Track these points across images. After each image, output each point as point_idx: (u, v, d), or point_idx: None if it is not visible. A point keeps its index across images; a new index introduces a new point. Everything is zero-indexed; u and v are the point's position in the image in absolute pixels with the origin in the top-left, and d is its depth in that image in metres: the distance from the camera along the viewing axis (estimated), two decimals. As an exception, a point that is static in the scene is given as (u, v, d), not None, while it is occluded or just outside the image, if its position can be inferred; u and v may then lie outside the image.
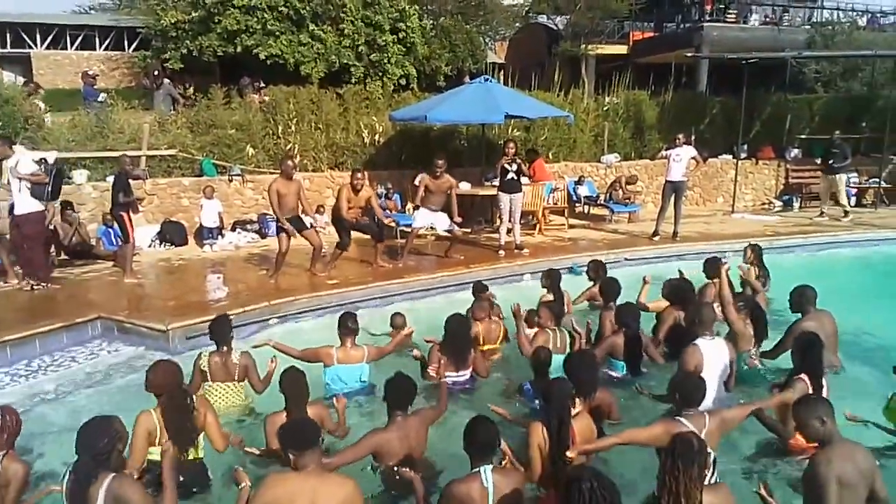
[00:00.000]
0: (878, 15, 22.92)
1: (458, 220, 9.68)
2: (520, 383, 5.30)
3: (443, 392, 4.57)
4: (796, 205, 14.82)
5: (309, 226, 8.71)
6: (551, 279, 6.93)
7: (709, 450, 3.55)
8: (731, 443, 4.39)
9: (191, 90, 13.75)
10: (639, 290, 6.81)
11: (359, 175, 8.69)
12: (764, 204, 15.32)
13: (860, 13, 22.85)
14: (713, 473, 3.48)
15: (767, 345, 5.64)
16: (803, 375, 4.36)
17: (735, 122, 14.71)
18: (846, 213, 12.94)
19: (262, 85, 13.10)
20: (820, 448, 3.37)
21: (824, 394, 4.39)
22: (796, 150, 15.82)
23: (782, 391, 4.46)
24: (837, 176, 13.16)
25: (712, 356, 4.78)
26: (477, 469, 3.26)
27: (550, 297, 6.77)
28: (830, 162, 13.18)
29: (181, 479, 3.81)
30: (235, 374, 5.20)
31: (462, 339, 5.46)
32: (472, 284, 7.11)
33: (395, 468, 3.85)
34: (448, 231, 9.66)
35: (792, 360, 4.57)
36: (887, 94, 14.65)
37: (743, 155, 15.09)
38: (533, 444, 3.66)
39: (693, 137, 15.01)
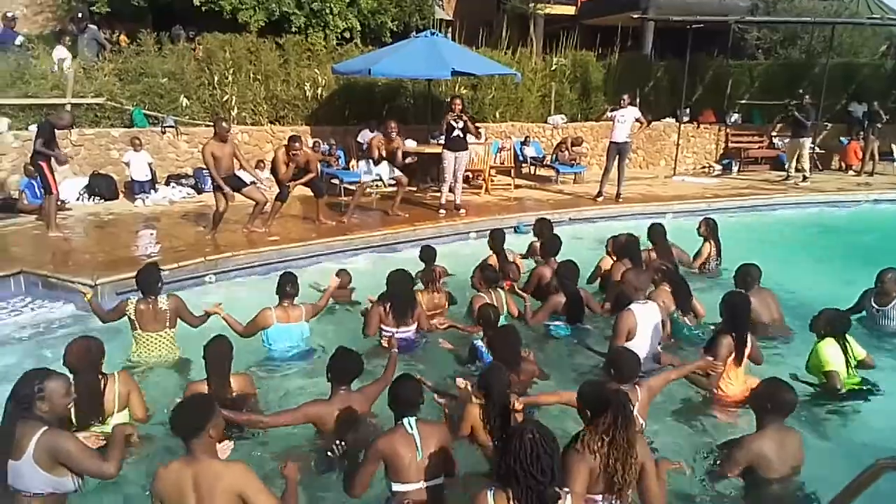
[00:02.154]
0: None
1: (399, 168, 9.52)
2: (471, 342, 5.20)
3: (391, 363, 4.46)
4: (735, 168, 15.14)
5: (248, 182, 8.38)
6: (494, 240, 6.88)
7: (641, 421, 3.74)
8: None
9: (121, 36, 12.99)
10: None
11: (296, 145, 8.37)
12: (704, 167, 15.62)
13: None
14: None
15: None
16: (730, 332, 4.52)
17: (678, 86, 14.86)
18: (805, 177, 13.28)
19: (195, 33, 12.42)
20: (757, 428, 3.56)
21: (747, 351, 4.56)
22: (736, 115, 16.13)
23: (708, 347, 4.62)
24: (802, 139, 13.41)
25: (645, 319, 4.86)
26: (400, 421, 3.34)
27: (494, 257, 6.75)
28: (797, 125, 13.33)
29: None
30: (167, 320, 5.08)
31: (404, 294, 5.37)
32: (420, 249, 6.92)
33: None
34: (393, 179, 9.47)
35: (722, 318, 4.73)
36: (823, 62, 15.00)
37: (685, 119, 15.30)
38: (466, 422, 3.72)
39: (638, 100, 15.15)
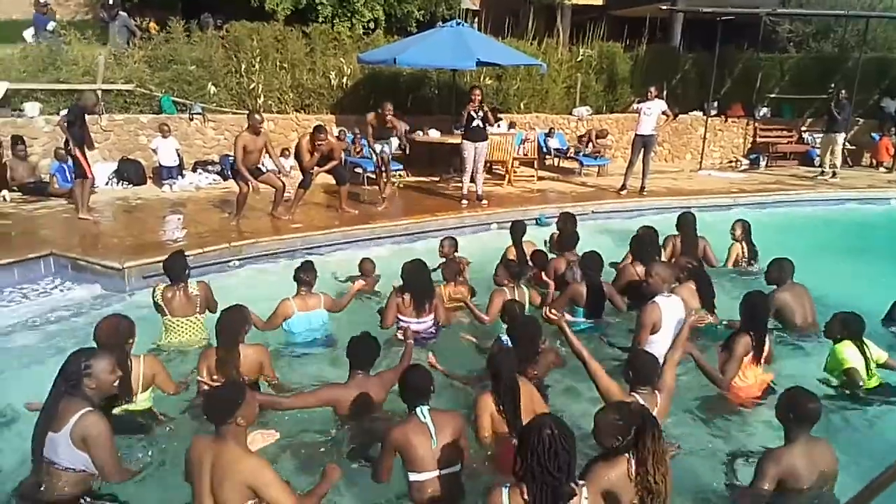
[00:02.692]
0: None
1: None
2: (496, 335, 5.20)
3: (407, 353, 4.50)
4: (763, 163, 14.92)
5: (266, 170, 8.48)
6: (515, 231, 6.89)
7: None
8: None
9: (150, 24, 13.13)
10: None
11: (321, 136, 8.44)
12: (731, 162, 15.41)
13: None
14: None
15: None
16: (749, 332, 4.47)
17: (706, 79, 14.65)
18: (834, 173, 13.09)
19: (223, 21, 12.52)
20: (785, 442, 3.43)
21: (765, 351, 4.54)
22: (765, 109, 15.87)
23: (726, 345, 4.58)
24: (835, 135, 13.19)
25: (670, 312, 4.82)
26: (413, 410, 3.36)
27: (513, 249, 6.76)
28: (831, 120, 13.14)
29: (126, 428, 3.83)
30: (197, 305, 5.16)
31: (422, 284, 5.38)
32: (440, 239, 6.87)
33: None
34: (401, 149, 9.92)
35: (741, 317, 4.65)
36: (856, 56, 14.69)
37: (713, 112, 15.09)
38: (483, 413, 3.68)
39: (665, 93, 14.98)
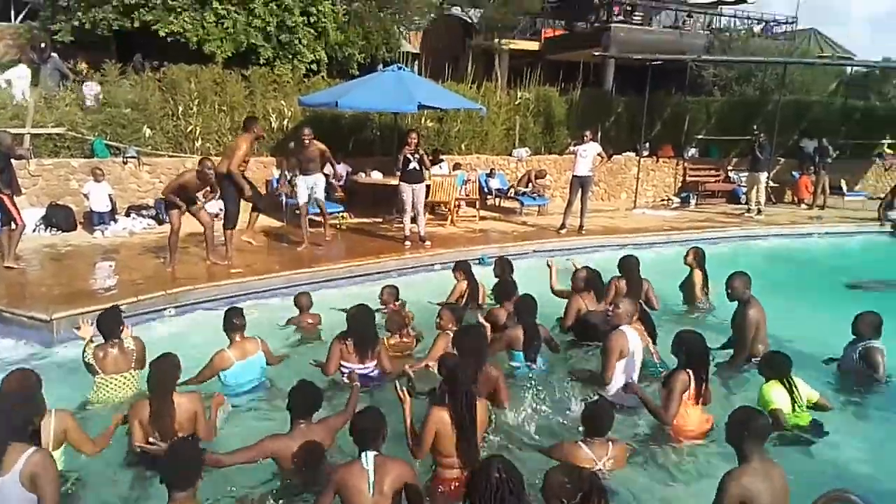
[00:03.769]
0: (772, 24, 24.39)
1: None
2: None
3: (353, 397, 4.45)
4: (693, 202, 15.54)
5: (199, 205, 8.28)
6: (463, 271, 6.95)
7: (606, 476, 3.75)
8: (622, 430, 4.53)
9: (83, 66, 12.87)
10: (549, 276, 7.00)
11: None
12: (664, 200, 16.00)
13: (755, 21, 24.25)
14: None
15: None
16: (688, 370, 4.57)
17: (638, 121, 15.28)
18: (759, 210, 13.72)
19: (158, 64, 12.37)
20: (739, 463, 3.46)
21: (704, 390, 4.65)
22: (694, 150, 16.63)
23: (665, 383, 4.68)
24: (759, 174, 13.86)
25: (634, 342, 4.99)
26: (360, 454, 3.34)
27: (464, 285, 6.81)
28: (754, 160, 13.85)
29: None
30: (132, 361, 4.95)
31: (366, 331, 5.30)
32: (381, 287, 6.92)
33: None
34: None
35: (677, 357, 4.73)
36: (776, 99, 15.59)
37: (645, 153, 15.71)
38: (431, 425, 3.67)
39: (599, 135, 15.51)
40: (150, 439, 3.90)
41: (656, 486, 4.17)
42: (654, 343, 5.69)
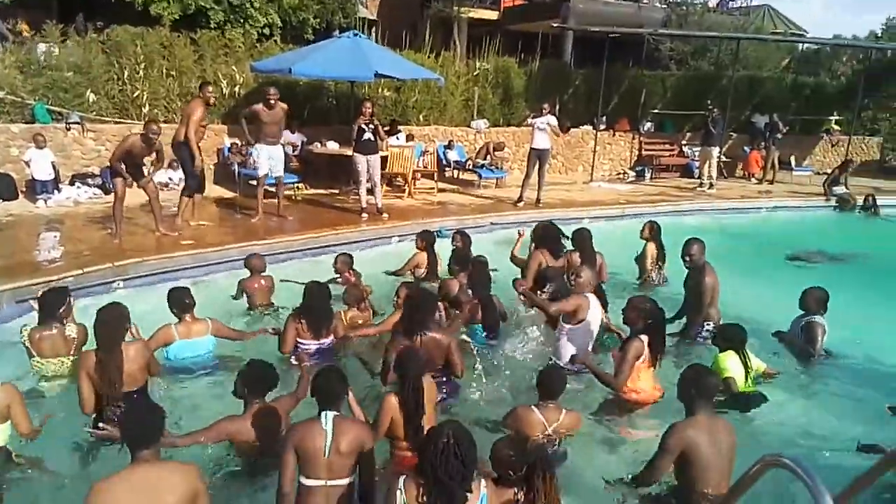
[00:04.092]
0: (728, -1, 24.69)
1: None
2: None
3: (303, 378, 4.39)
4: (648, 175, 15.74)
5: (147, 175, 8.01)
6: (426, 241, 6.94)
7: (556, 442, 3.88)
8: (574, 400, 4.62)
9: (23, 27, 12.23)
10: (514, 243, 7.02)
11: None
12: (619, 174, 16.17)
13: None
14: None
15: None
16: (641, 337, 4.65)
17: (595, 95, 15.31)
18: (711, 185, 13.95)
19: (103, 24, 11.82)
20: (686, 415, 3.58)
21: (660, 356, 4.74)
22: (649, 124, 16.80)
23: (620, 349, 4.77)
24: (711, 148, 14.06)
25: (593, 309, 5.10)
26: (320, 413, 3.32)
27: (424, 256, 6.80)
28: (707, 135, 14.02)
29: None
30: (73, 347, 4.74)
31: (320, 308, 5.23)
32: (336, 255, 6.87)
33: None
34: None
35: (629, 324, 4.81)
36: (730, 74, 15.83)
37: (602, 126, 15.80)
38: (385, 413, 3.68)
39: (558, 107, 15.56)
40: (100, 424, 3.82)
41: (605, 452, 4.28)
42: (606, 313, 5.78)
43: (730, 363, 4.88)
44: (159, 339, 4.94)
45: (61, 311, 4.75)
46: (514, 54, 16.05)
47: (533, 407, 3.96)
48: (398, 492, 2.82)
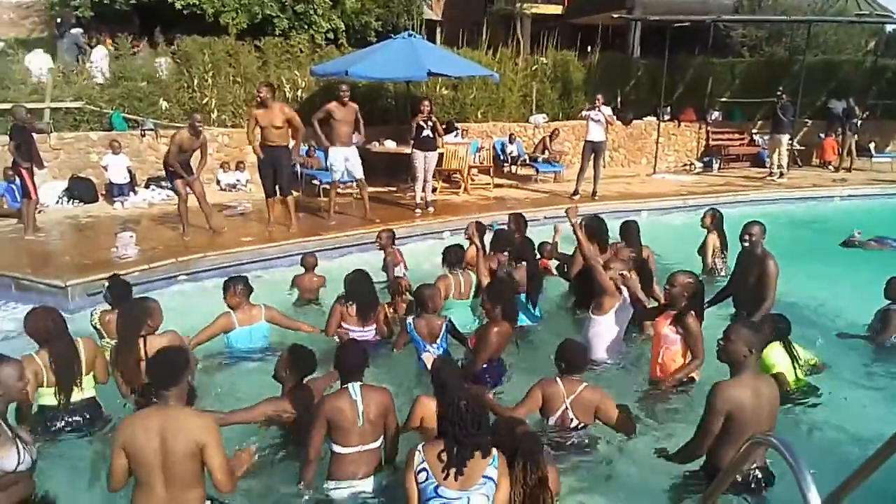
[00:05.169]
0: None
1: (361, 139, 9.49)
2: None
3: None
4: (716, 166, 15.27)
5: (194, 173, 8.37)
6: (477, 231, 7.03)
7: (574, 420, 3.90)
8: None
9: (107, 40, 13.08)
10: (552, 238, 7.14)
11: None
12: (685, 165, 15.75)
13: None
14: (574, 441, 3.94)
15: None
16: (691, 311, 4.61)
17: (659, 85, 14.97)
18: (781, 174, 13.43)
19: (173, 37, 12.51)
20: (731, 374, 3.52)
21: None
22: (717, 113, 16.27)
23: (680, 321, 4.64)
24: (780, 136, 13.53)
25: (625, 304, 5.14)
26: (346, 385, 3.53)
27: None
28: (776, 122, 13.52)
29: (77, 418, 4.12)
30: None
31: (367, 294, 5.45)
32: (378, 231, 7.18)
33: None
34: (354, 181, 9.53)
35: (672, 302, 4.74)
36: (802, 59, 15.14)
37: (666, 117, 15.44)
38: (417, 415, 3.79)
39: (619, 99, 15.32)
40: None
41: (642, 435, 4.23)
42: (651, 293, 5.74)
43: (776, 356, 4.71)
44: (218, 327, 5.22)
45: (129, 296, 5.08)
46: (574, 48, 15.90)
47: (557, 378, 4.00)
48: (417, 453, 3.02)
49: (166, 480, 2.91)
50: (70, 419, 4.11)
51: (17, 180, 8.53)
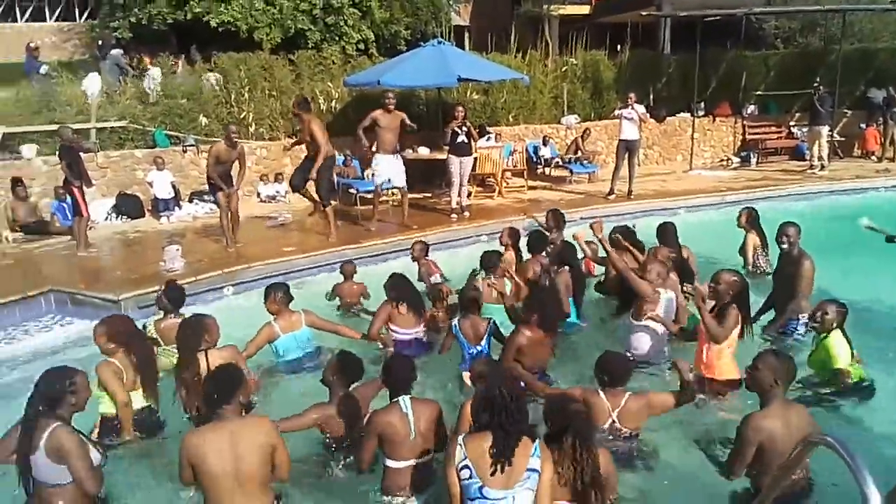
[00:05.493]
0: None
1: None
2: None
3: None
4: (754, 160, 15.04)
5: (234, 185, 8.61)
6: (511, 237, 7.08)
7: (623, 430, 3.89)
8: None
9: (146, 60, 13.49)
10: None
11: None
12: (722, 160, 15.53)
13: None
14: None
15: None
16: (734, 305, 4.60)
17: (691, 80, 14.83)
18: (822, 166, 13.19)
19: (214, 53, 12.84)
20: (761, 405, 3.53)
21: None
22: (753, 107, 16.03)
23: (718, 316, 4.66)
24: (819, 128, 13.29)
25: (662, 305, 5.11)
26: (396, 399, 3.56)
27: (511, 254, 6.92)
28: (814, 114, 13.28)
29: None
30: None
31: (412, 293, 5.57)
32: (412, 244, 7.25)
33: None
34: (398, 188, 9.63)
35: (717, 300, 4.75)
36: (839, 49, 14.84)
37: (700, 113, 15.27)
38: (465, 421, 3.74)
39: (651, 97, 15.21)
40: None
41: (679, 440, 4.24)
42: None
43: (838, 347, 4.59)
44: (262, 338, 5.29)
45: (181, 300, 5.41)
46: (602, 48, 15.84)
47: (599, 392, 3.96)
48: (458, 447, 3.01)
49: (239, 491, 3.04)
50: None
51: (69, 198, 8.86)
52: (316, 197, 8.93)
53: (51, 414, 3.29)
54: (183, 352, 4.44)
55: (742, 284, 4.67)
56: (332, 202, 9.03)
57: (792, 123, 15.77)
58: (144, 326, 5.30)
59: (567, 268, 5.99)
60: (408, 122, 9.22)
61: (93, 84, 11.23)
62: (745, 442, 3.41)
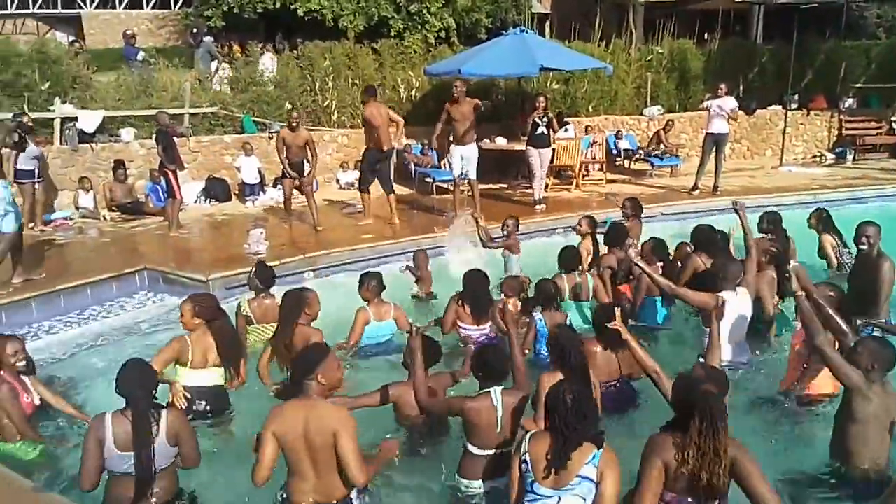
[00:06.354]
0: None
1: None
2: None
3: (467, 361, 4.66)
4: (850, 157, 14.24)
5: (307, 174, 8.99)
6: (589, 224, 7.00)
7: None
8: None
9: (236, 47, 13.98)
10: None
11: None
12: (815, 156, 14.77)
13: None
14: None
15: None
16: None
17: (785, 71, 14.12)
18: None
19: (296, 43, 13.16)
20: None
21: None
22: (851, 100, 15.13)
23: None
24: None
25: (733, 308, 4.81)
26: (487, 389, 3.55)
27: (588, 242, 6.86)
28: None
29: (206, 404, 4.38)
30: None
31: (480, 294, 5.52)
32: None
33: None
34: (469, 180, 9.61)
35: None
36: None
37: (793, 105, 14.54)
38: (543, 392, 3.73)
39: (741, 88, 14.57)
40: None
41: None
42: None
43: None
44: (359, 322, 5.41)
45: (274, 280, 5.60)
46: (691, 35, 15.29)
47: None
48: (524, 441, 3.05)
49: (315, 467, 3.13)
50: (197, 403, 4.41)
51: (163, 181, 9.30)
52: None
53: (154, 402, 3.44)
54: (282, 321, 4.63)
55: (839, 298, 4.43)
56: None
57: (894, 118, 14.80)
58: (239, 305, 5.54)
59: (658, 264, 5.83)
60: (479, 104, 9.18)
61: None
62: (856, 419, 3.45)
